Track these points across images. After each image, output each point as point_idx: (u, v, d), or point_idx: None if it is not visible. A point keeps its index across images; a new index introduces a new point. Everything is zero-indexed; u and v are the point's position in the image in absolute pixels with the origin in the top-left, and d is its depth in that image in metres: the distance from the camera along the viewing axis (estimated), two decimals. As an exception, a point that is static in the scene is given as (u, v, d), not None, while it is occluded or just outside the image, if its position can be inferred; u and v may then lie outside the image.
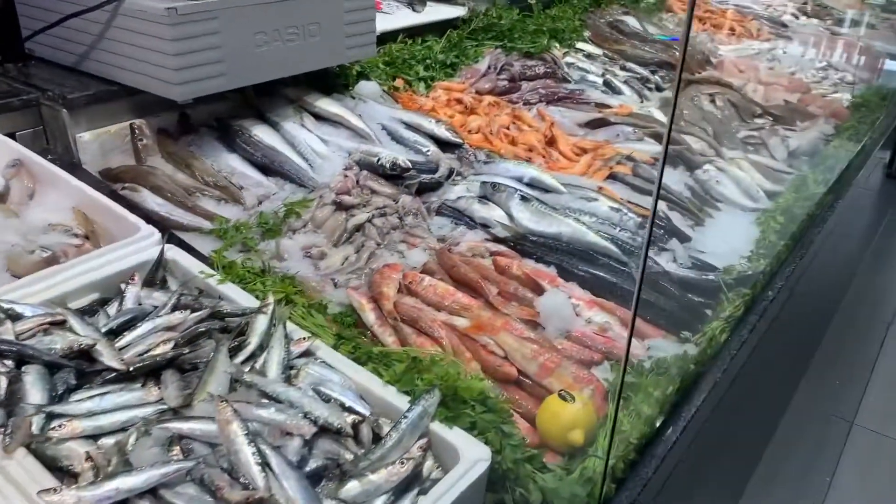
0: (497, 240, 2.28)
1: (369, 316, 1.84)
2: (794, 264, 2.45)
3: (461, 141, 2.77)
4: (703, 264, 2.30)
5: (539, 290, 2.03)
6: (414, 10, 3.64)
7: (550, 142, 3.11)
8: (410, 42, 3.48)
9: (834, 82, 4.58)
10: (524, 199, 2.33)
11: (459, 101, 3.27)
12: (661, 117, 3.47)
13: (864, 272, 4.83)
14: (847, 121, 3.93)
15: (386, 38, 3.38)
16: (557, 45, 4.09)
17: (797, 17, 6.03)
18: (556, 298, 1.90)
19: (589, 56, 4.24)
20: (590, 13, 4.58)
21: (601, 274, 2.11)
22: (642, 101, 3.81)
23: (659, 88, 4.03)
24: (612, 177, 2.80)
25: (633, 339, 1.94)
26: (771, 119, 3.81)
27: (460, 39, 3.64)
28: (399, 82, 3.22)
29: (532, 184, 2.55)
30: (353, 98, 2.91)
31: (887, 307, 4.44)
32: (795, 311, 3.37)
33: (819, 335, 4.03)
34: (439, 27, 3.67)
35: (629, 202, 2.55)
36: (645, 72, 4.08)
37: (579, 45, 4.29)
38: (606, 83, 3.85)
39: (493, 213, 2.35)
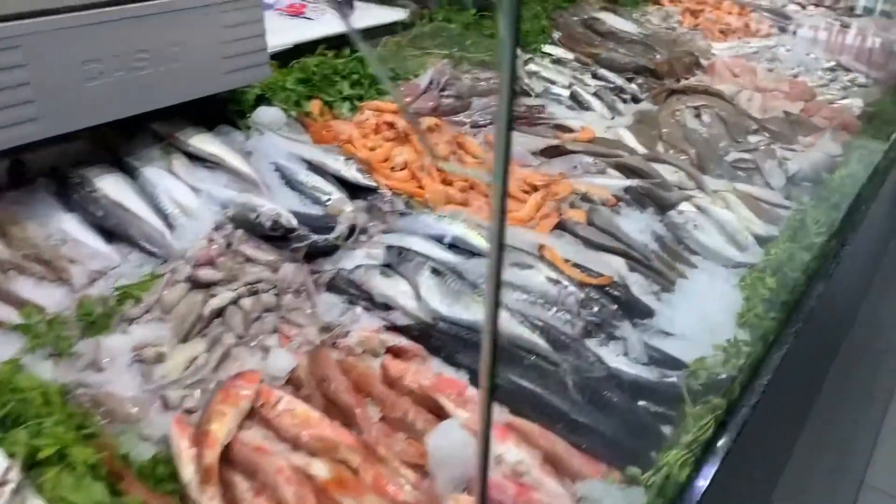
0: (398, 328, 1.78)
1: (186, 470, 1.35)
2: (787, 345, 1.94)
3: (375, 184, 2.27)
4: (665, 358, 1.80)
5: (440, 412, 1.54)
6: (343, 14, 3.13)
7: (496, 175, 2.60)
8: (335, 54, 2.97)
9: (844, 85, 4.04)
10: (436, 272, 1.83)
11: (392, 126, 2.76)
12: (631, 141, 2.95)
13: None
14: (859, 134, 3.41)
15: (304, 50, 2.87)
16: (520, 50, 3.56)
17: (804, 7, 5.47)
18: (450, 436, 1.41)
19: (558, 62, 3.72)
20: (560, 11, 4.04)
21: (524, 384, 1.61)
22: (613, 117, 3.29)
23: (635, 99, 3.51)
24: (562, 226, 2.29)
25: (558, 481, 1.45)
26: (768, 136, 3.29)
27: (398, 49, 3.12)
28: (315, 105, 2.71)
29: (456, 245, 2.05)
30: (248, 129, 2.41)
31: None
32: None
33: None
34: (374, 34, 3.15)
35: (575, 266, 2.05)
36: (620, 80, 3.55)
37: (547, 48, 3.76)
38: (573, 96, 3.33)
39: (397, 290, 1.86)
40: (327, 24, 3.00)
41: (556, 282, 1.92)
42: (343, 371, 1.63)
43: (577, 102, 3.31)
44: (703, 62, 3.98)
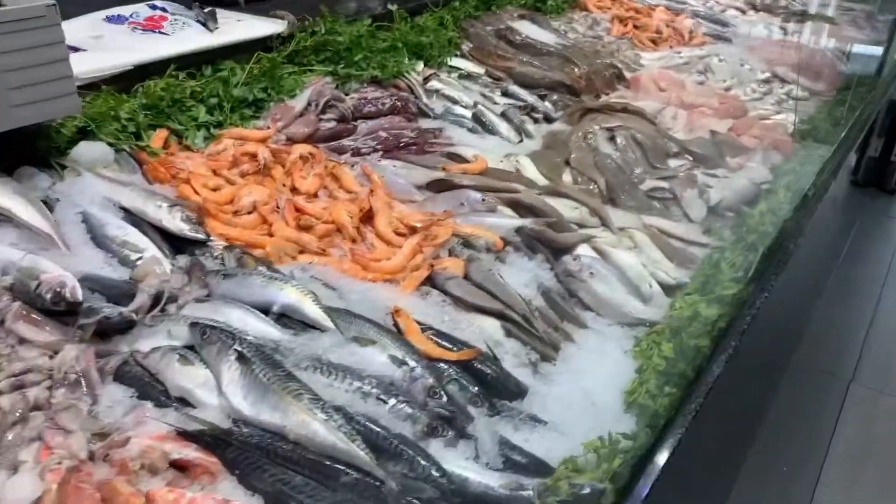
0: (190, 435, 1.43)
1: None
2: (680, 432, 1.64)
3: (204, 236, 1.92)
4: (527, 461, 1.48)
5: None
6: (206, 28, 2.76)
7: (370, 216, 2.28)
8: (194, 75, 2.60)
9: (779, 99, 3.80)
10: (242, 358, 1.48)
11: (253, 157, 2.41)
12: (531, 171, 2.64)
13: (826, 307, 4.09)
14: (791, 156, 3.15)
15: (152, 71, 2.50)
16: (421, 65, 3.24)
17: (744, 12, 5.25)
18: None
19: (467, 77, 3.41)
20: (471, 20, 3.72)
21: (331, 514, 1.28)
22: (521, 140, 2.99)
23: (548, 119, 3.21)
24: (432, 281, 1.97)
25: None
26: (690, 160, 3.01)
27: (272, 66, 2.77)
28: (159, 136, 2.34)
29: (288, 314, 1.70)
30: (64, 169, 2.04)
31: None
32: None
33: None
34: (245, 49, 2.79)
35: (437, 335, 1.73)
36: (532, 97, 3.25)
37: (454, 62, 3.44)
38: (476, 118, 3.01)
39: (196, 382, 1.51)
40: (186, 40, 2.64)
41: (403, 362, 1.59)
42: (102, 502, 1.28)
43: (481, 124, 3.00)
44: (628, 75, 3.70)
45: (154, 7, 2.92)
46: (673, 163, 2.98)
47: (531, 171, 2.64)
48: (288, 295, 1.69)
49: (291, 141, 2.61)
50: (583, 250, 2.25)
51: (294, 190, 2.36)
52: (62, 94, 1.89)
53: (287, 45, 2.90)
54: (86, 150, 2.11)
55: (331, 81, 2.86)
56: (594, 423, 1.60)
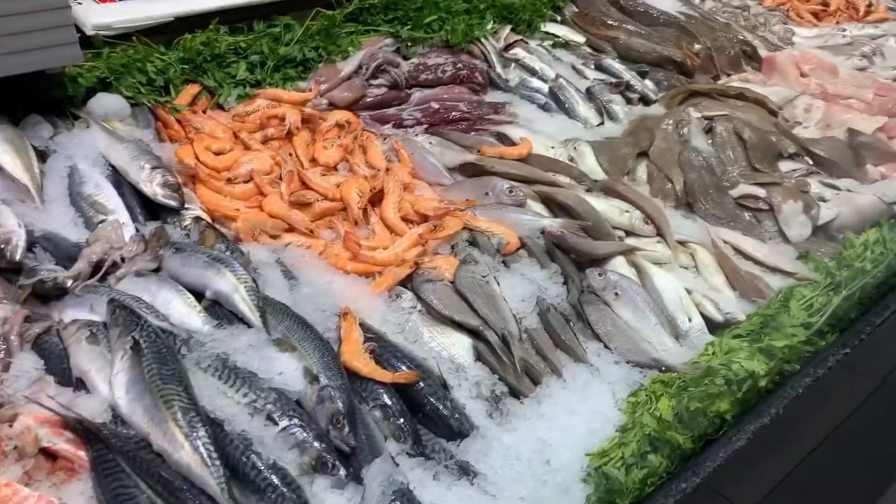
0: (69, 423, 1.34)
1: None
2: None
3: (174, 203, 1.81)
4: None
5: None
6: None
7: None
8: (244, 29, 2.51)
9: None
10: (136, 348, 1.35)
11: (282, 121, 2.28)
12: (589, 162, 2.27)
13: None
14: (954, 171, 2.49)
15: (200, 23, 2.43)
16: (507, 30, 2.92)
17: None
18: None
19: (565, 45, 3.03)
20: (581, -20, 3.31)
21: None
22: (602, 122, 2.60)
23: (645, 101, 2.77)
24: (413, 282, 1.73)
25: None
26: (809, 164, 2.46)
27: (331, 24, 2.60)
28: (188, 92, 2.27)
29: (220, 302, 1.55)
30: (76, 121, 2.03)
31: None
32: None
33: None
34: (310, 4, 2.65)
35: (385, 351, 1.49)
36: (629, 74, 2.82)
37: (552, 27, 3.08)
38: (552, 93, 2.66)
39: (95, 364, 1.41)
40: (242, -8, 2.54)
41: (315, 378, 1.38)
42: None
43: (557, 101, 2.64)
44: (764, 54, 3.12)
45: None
46: (786, 166, 2.45)
47: (589, 161, 2.28)
48: (223, 281, 1.54)
49: (334, 106, 2.45)
50: (618, 264, 1.89)
51: (314, 160, 2.20)
52: (61, 42, 1.85)
53: (350, 2, 2.71)
54: (101, 102, 2.09)
55: (391, 44, 2.65)
56: (534, 489, 1.31)
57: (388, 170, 2.12)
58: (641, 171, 2.37)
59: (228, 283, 1.54)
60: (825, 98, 2.84)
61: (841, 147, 2.53)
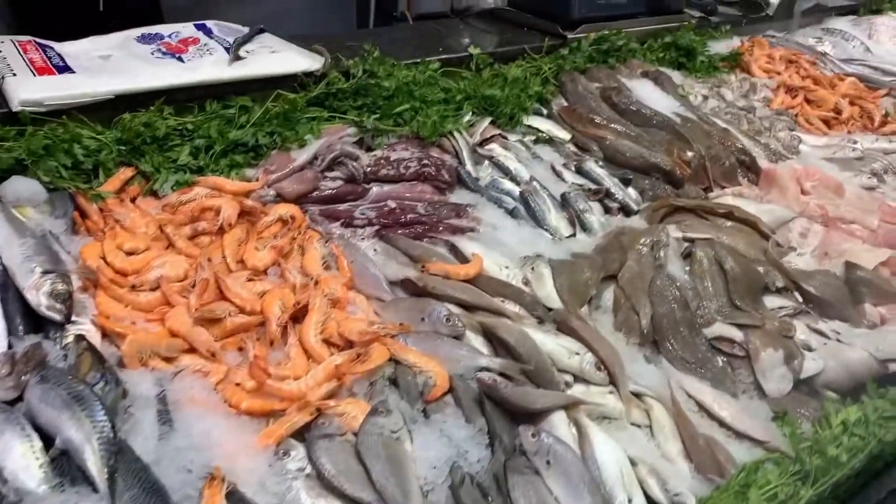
0: None
1: None
2: None
3: (58, 317, 1.62)
4: None
5: None
6: (238, 56, 2.51)
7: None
8: (193, 109, 2.36)
9: None
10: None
11: (217, 213, 2.11)
12: (546, 288, 2.05)
13: None
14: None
15: (142, 101, 2.29)
16: (485, 123, 2.75)
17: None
18: None
19: (549, 141, 2.86)
20: (572, 73, 3.14)
21: None
22: (573, 234, 2.39)
23: (626, 211, 2.56)
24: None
25: None
26: (798, 302, 2.23)
27: (293, 108, 2.45)
28: (118, 178, 2.11)
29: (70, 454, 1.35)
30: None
31: None
32: None
33: None
34: (269, 85, 2.51)
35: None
36: (611, 181, 2.62)
37: (536, 121, 2.91)
38: (523, 198, 2.47)
39: None
40: (195, 70, 2.39)
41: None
42: None
43: (528, 207, 2.45)
44: (764, 165, 2.91)
45: (201, 28, 2.74)
46: (772, 301, 2.22)
47: (547, 285, 2.06)
48: (75, 428, 1.34)
49: (282, 198, 2.27)
50: (557, 421, 1.66)
51: (242, 262, 2.02)
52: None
53: (316, 85, 2.56)
54: (13, 186, 1.93)
55: (353, 133, 2.49)
56: None
57: (317, 281, 1.92)
58: (608, 295, 2.15)
59: (81, 432, 1.33)
60: (825, 222, 2.61)
61: (836, 283, 2.29)
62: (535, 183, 2.53)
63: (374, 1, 5.58)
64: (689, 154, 2.77)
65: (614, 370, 1.81)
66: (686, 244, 2.33)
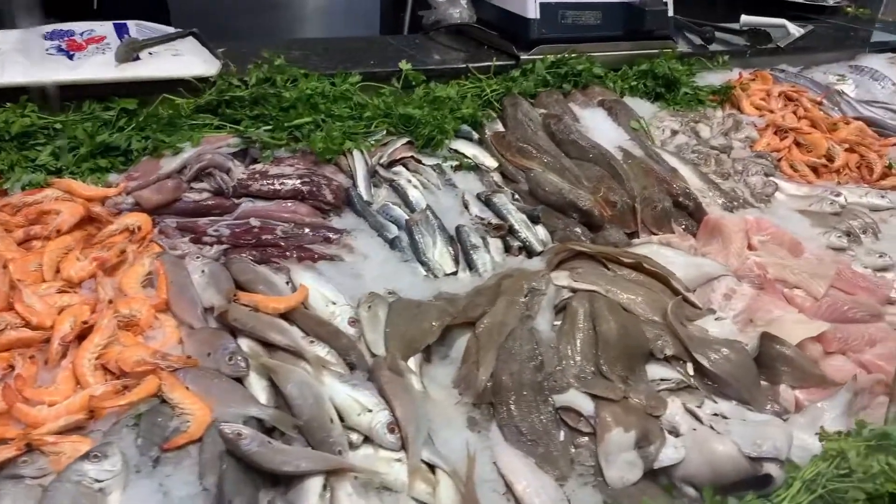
0: None
1: None
2: None
3: None
4: None
5: None
6: (133, 58, 2.42)
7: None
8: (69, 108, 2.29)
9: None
10: None
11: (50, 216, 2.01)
12: (370, 334, 1.82)
13: None
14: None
15: (9, 96, 2.22)
16: (399, 142, 2.56)
17: None
18: None
19: (475, 168, 2.63)
20: (516, 97, 2.90)
21: None
22: (455, 271, 2.17)
23: (529, 251, 2.31)
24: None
25: None
26: (689, 376, 1.91)
27: (178, 114, 2.34)
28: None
29: None
30: None
31: None
32: None
33: None
34: (159, 89, 2.40)
35: None
36: (517, 216, 2.36)
37: (462, 146, 2.68)
38: (408, 228, 2.26)
39: None
40: (79, 69, 2.31)
41: None
42: None
43: (411, 239, 2.23)
44: (717, 213, 2.57)
45: (119, 27, 2.68)
46: (658, 372, 1.91)
47: (378, 329, 1.83)
48: None
49: (139, 207, 2.16)
50: (307, 489, 1.43)
51: (59, 272, 1.90)
52: None
53: (212, 91, 2.43)
54: None
55: (235, 144, 2.34)
56: None
57: (111, 300, 1.77)
58: (462, 344, 1.91)
59: None
60: (761, 283, 2.26)
61: (741, 358, 1.95)
62: (427, 212, 2.32)
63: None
64: (615, 195, 2.47)
65: (408, 434, 1.58)
66: (555, 293, 2.05)
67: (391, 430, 1.58)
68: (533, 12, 3.01)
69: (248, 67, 2.51)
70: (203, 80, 2.44)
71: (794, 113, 3.29)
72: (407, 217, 2.29)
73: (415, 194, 2.40)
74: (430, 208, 2.34)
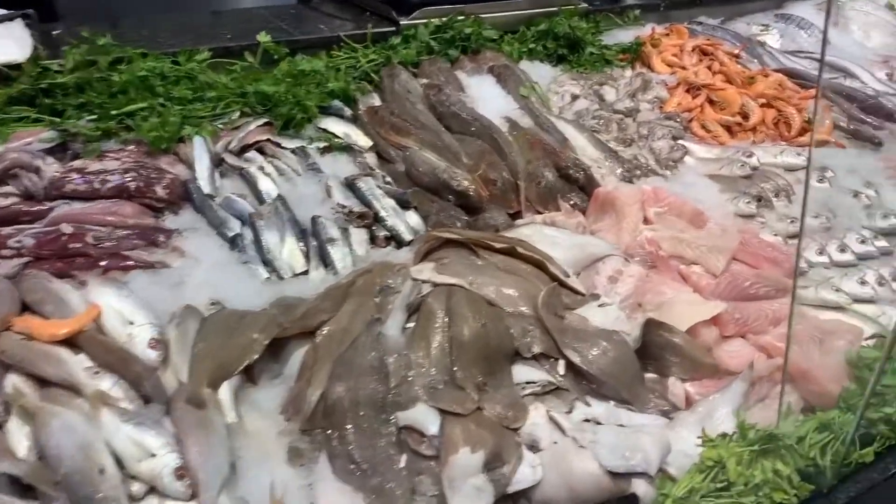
0: None
1: None
2: None
3: None
4: None
5: None
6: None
7: None
8: None
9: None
10: None
11: None
12: (175, 357, 1.56)
13: None
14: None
15: None
16: (254, 124, 2.27)
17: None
18: None
19: (347, 149, 2.35)
20: (395, 67, 2.61)
21: None
22: (307, 271, 1.91)
23: (398, 242, 2.05)
24: None
25: None
26: (559, 376, 1.66)
27: (-17, 106, 2.03)
28: None
29: None
30: None
31: None
32: None
33: None
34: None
35: None
36: (384, 202, 2.10)
37: (331, 124, 2.40)
38: (252, 224, 1.98)
39: None
40: None
41: None
42: None
43: (255, 235, 1.95)
44: (613, 184, 2.32)
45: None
46: (524, 373, 1.67)
47: (180, 354, 1.56)
48: None
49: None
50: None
51: None
52: None
53: (26, 79, 2.12)
54: None
55: (49, 139, 2.04)
56: None
57: None
58: (298, 359, 1.65)
59: None
60: (653, 262, 2.03)
61: (621, 352, 1.71)
62: (277, 204, 2.04)
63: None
64: (494, 173, 2.21)
65: (200, 478, 1.32)
66: (411, 288, 1.79)
67: (180, 477, 1.32)
68: (412, -28, 2.71)
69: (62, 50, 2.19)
70: (14, 67, 2.12)
71: (709, 68, 3.04)
72: (252, 211, 2.01)
73: (266, 184, 2.12)
74: (283, 199, 2.06)
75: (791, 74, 3.12)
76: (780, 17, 3.75)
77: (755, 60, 3.24)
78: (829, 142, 2.74)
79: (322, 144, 2.34)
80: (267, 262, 1.91)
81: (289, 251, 1.95)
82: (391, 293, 1.77)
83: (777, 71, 3.15)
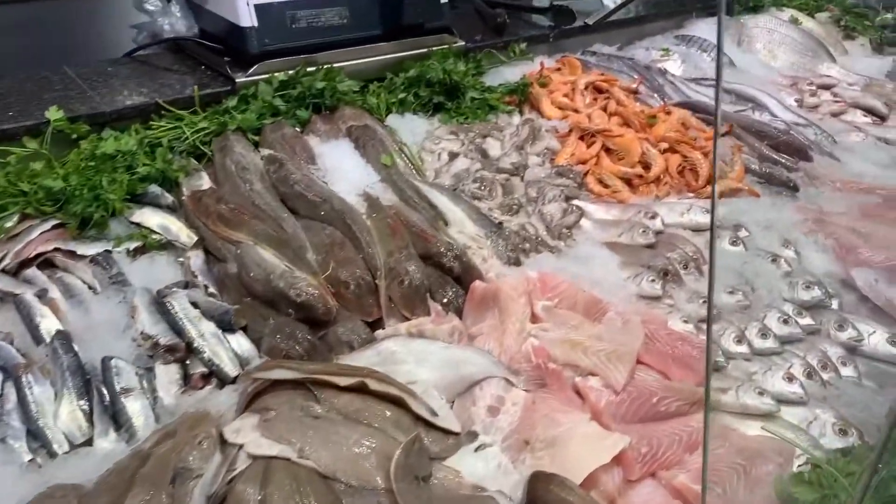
0: None
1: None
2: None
3: None
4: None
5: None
6: None
7: None
8: None
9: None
10: None
11: None
12: None
13: None
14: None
15: None
16: (47, 225, 1.79)
17: (882, 119, 3.14)
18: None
19: (167, 247, 1.89)
20: (221, 139, 2.18)
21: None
22: (88, 440, 1.44)
23: (219, 377, 1.60)
24: None
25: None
26: None
27: None
28: None
29: None
30: None
31: None
32: None
33: None
34: None
35: None
36: (201, 328, 1.65)
37: (147, 217, 1.93)
38: (15, 382, 1.50)
39: None
40: None
41: None
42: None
43: (20, 397, 1.48)
44: (498, 269, 1.94)
45: None
46: None
47: None
48: None
49: None
50: None
51: None
52: None
53: None
54: None
55: None
56: None
57: None
58: None
59: None
60: (541, 379, 1.65)
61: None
62: (56, 345, 1.57)
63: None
64: (345, 272, 1.79)
65: None
66: (251, 461, 1.37)
67: None
68: (248, 19, 2.27)
69: None
70: None
71: (605, 109, 2.70)
72: (17, 361, 1.54)
73: (44, 320, 1.64)
74: (64, 336, 1.59)
75: (695, 108, 2.83)
76: (681, 38, 3.48)
77: (655, 95, 2.93)
78: (742, 190, 2.44)
79: (134, 245, 1.89)
80: (35, 433, 1.45)
81: (67, 413, 1.48)
82: (188, 479, 1.33)
83: (680, 105, 2.85)
